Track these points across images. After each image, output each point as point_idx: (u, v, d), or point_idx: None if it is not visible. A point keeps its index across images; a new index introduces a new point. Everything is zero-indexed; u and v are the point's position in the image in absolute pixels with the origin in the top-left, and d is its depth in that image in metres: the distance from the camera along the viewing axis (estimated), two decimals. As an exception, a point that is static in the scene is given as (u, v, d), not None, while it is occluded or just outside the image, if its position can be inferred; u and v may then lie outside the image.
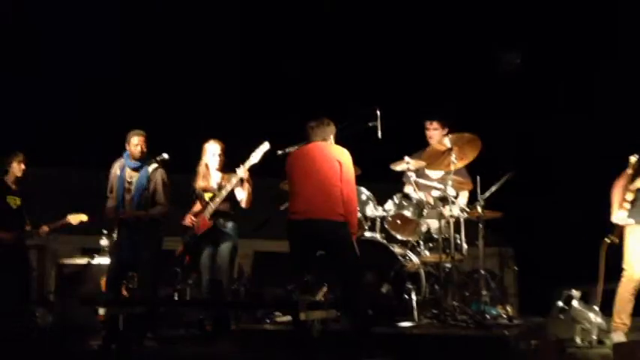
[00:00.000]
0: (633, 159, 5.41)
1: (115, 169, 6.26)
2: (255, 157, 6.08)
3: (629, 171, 5.43)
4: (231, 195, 6.17)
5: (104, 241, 7.28)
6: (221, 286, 6.03)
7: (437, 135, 6.36)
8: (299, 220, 5.07)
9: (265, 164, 6.17)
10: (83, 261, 7.44)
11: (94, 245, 7.63)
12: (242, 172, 6.06)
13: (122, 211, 6.08)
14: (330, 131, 5.26)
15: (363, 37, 8.54)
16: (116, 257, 6.11)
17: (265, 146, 6.08)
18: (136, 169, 6.19)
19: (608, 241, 5.49)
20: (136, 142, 6.17)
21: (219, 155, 6.30)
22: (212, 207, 6.13)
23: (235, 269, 6.57)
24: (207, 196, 6.25)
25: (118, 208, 6.14)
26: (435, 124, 6.42)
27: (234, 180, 6.07)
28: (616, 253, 5.51)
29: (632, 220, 5.40)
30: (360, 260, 5.05)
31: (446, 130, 6.38)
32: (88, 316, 6.89)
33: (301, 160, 5.23)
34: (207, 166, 6.34)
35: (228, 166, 6.29)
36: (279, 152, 6.16)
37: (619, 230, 5.48)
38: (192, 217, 6.27)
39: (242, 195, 6.15)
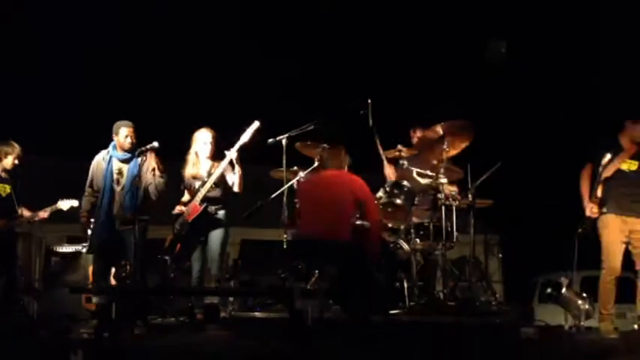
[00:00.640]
0: (608, 156, 5.47)
1: (99, 162, 6.15)
2: (246, 136, 6.00)
3: (601, 167, 5.50)
4: (222, 181, 6.12)
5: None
6: (209, 275, 6.02)
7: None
8: (305, 240, 5.16)
9: (254, 152, 6.15)
10: (72, 249, 7.39)
11: (80, 233, 7.56)
12: (232, 153, 6.00)
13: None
14: (346, 161, 5.42)
15: (356, 31, 8.53)
16: (102, 246, 6.05)
17: (255, 125, 6.01)
18: (125, 161, 6.11)
19: (580, 230, 5.56)
20: (125, 134, 6.07)
21: (211, 144, 6.23)
22: (202, 192, 6.06)
23: (225, 257, 6.54)
24: (197, 184, 6.21)
25: (102, 201, 6.06)
26: (418, 132, 6.48)
27: (225, 161, 6.01)
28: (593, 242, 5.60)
29: (604, 210, 5.48)
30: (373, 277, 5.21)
31: None
32: (75, 304, 6.89)
33: (315, 186, 5.34)
34: (197, 154, 6.27)
35: (218, 154, 6.23)
36: (270, 141, 6.15)
37: (591, 221, 5.55)
38: (182, 207, 6.23)
39: (233, 178, 6.07)
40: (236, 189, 6.11)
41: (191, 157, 6.27)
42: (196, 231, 6.13)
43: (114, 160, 6.11)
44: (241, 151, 6.04)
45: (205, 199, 6.07)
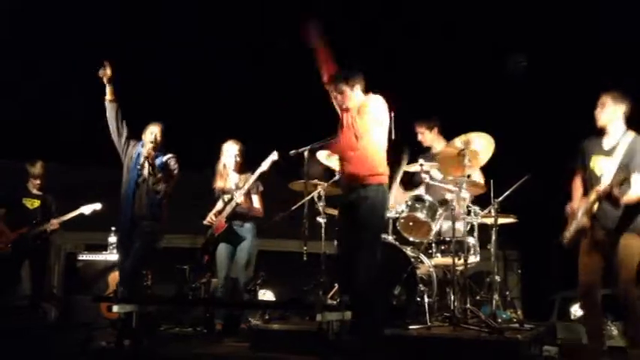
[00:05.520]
0: None
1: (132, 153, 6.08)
2: (264, 165, 6.20)
3: None
4: (248, 198, 6.27)
5: (112, 238, 7.25)
6: (237, 286, 6.06)
7: (426, 137, 6.44)
8: None
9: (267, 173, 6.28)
10: (94, 257, 7.42)
11: (99, 242, 7.60)
12: (239, 196, 6.22)
13: None
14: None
15: (372, 39, 8.53)
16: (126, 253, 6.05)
17: (274, 156, 6.19)
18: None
19: None
20: (150, 131, 6.06)
21: (237, 157, 6.36)
22: (228, 210, 6.24)
23: (252, 268, 6.60)
24: (226, 197, 6.31)
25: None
26: (420, 128, 6.45)
27: (246, 187, 6.22)
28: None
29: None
30: None
31: (435, 131, 6.44)
32: (94, 312, 6.90)
33: None
34: (225, 166, 6.38)
35: (246, 166, 6.41)
36: (292, 152, 6.15)
37: None
38: (213, 217, 6.32)
39: (255, 203, 6.35)
40: (256, 214, 6.37)
41: (220, 168, 6.43)
42: (223, 243, 6.27)
43: (141, 156, 6.09)
44: (261, 178, 6.28)
45: (232, 216, 6.23)
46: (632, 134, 4.90)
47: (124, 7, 8.55)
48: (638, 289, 4.94)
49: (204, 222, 6.33)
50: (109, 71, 5.89)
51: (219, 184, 6.38)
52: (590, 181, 4.99)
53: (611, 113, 4.89)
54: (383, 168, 4.89)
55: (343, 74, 4.95)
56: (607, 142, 4.96)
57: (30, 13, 8.47)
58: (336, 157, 6.07)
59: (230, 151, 6.35)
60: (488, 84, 8.21)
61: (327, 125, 6.06)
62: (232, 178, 6.38)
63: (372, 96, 4.96)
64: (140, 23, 8.65)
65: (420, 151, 6.43)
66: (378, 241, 4.89)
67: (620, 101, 4.88)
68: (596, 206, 4.84)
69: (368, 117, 4.84)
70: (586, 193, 5.04)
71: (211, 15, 8.79)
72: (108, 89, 5.95)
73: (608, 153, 4.92)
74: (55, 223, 7.02)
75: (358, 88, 4.95)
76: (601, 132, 5.00)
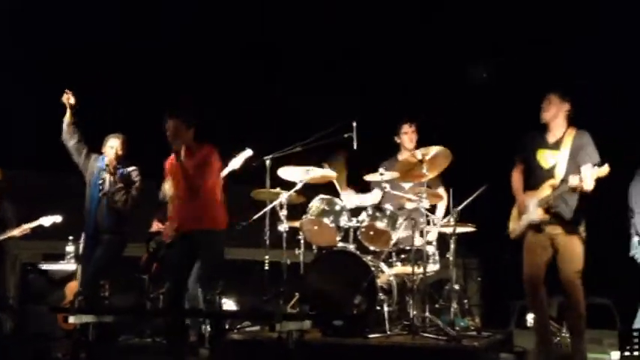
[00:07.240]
0: None
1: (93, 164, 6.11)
2: (236, 162, 5.97)
3: None
4: None
5: (70, 247, 7.13)
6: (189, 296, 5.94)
7: (411, 139, 6.45)
8: None
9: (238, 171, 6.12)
10: (49, 267, 7.28)
11: (56, 251, 7.46)
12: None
13: None
14: None
15: (339, 50, 8.58)
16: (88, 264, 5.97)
17: (247, 153, 5.99)
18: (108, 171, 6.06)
19: None
20: (110, 145, 6.05)
21: None
22: None
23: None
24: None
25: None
26: (411, 127, 6.45)
27: None
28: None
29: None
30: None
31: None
32: (50, 323, 6.77)
33: None
34: None
35: None
36: (254, 164, 6.12)
37: None
38: (159, 224, 6.16)
39: None
40: None
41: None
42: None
43: (102, 171, 6.04)
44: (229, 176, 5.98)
45: None
46: (574, 129, 5.24)
47: (123, 7, 8.48)
48: None
49: (152, 229, 6.17)
50: (72, 100, 5.87)
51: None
52: (536, 173, 5.26)
53: (556, 110, 5.24)
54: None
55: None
56: (551, 137, 5.28)
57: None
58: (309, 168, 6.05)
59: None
60: (448, 93, 8.31)
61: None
62: None
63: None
64: (140, 23, 8.57)
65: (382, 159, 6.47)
66: None
67: (564, 100, 5.26)
68: (552, 200, 5.04)
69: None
70: (528, 184, 5.30)
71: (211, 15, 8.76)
72: (68, 112, 5.90)
73: (554, 147, 5.24)
74: (25, 228, 6.81)
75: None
76: (543, 128, 5.31)
